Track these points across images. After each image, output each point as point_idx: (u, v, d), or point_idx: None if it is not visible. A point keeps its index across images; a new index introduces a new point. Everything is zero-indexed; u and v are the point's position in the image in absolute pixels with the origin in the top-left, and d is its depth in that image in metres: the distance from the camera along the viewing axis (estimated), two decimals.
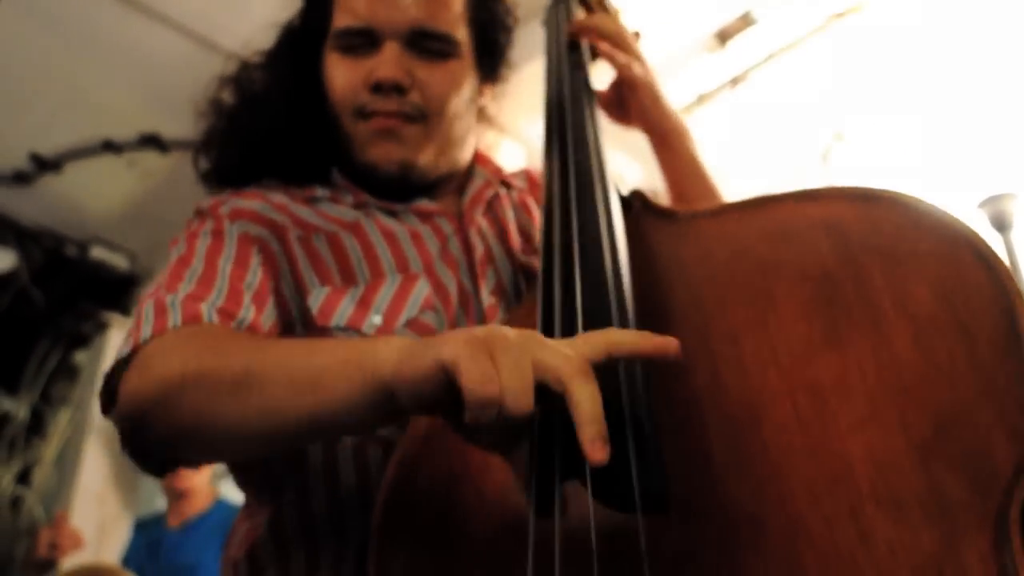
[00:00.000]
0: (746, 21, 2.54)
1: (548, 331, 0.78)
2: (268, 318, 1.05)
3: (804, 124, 2.61)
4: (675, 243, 0.95)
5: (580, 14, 1.48)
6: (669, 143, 1.33)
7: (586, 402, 0.63)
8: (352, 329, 1.08)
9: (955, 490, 0.61)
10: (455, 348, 0.65)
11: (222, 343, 0.90)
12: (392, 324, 1.09)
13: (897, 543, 0.61)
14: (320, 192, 1.22)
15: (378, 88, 1.17)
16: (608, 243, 0.89)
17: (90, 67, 2.85)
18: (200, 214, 1.16)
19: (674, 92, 2.68)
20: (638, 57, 1.37)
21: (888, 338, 0.68)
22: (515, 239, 1.25)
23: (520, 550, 0.66)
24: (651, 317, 0.84)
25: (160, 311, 0.95)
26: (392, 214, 1.22)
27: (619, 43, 1.38)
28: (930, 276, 0.71)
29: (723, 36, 2.59)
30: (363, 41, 1.20)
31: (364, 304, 1.11)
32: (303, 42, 1.29)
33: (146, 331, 0.93)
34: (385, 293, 1.12)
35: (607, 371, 0.68)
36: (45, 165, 3.09)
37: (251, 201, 1.16)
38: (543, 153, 1.16)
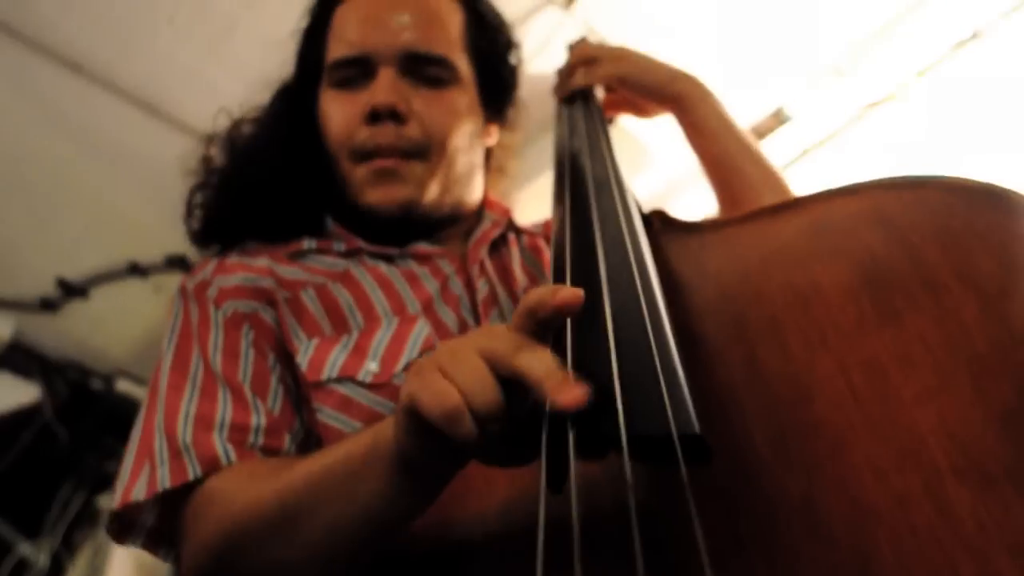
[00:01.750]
0: (778, 118, 2.50)
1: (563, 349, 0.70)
2: (275, 401, 1.02)
3: None
4: (702, 252, 0.93)
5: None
6: (685, 107, 1.29)
7: (532, 364, 0.59)
8: (347, 379, 1.02)
9: None
10: (408, 386, 0.65)
11: (250, 490, 0.87)
12: (391, 369, 1.03)
13: (987, 518, 0.54)
14: (307, 244, 1.19)
15: (375, 116, 1.15)
16: (635, 258, 0.82)
17: (117, 183, 2.88)
18: (186, 298, 1.12)
19: (708, 196, 2.65)
20: (605, 58, 1.35)
21: (953, 310, 0.65)
22: (519, 280, 1.18)
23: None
24: (678, 320, 0.78)
25: (175, 454, 0.93)
26: (387, 259, 1.17)
27: (588, 60, 1.37)
28: (992, 247, 0.69)
29: (756, 135, 2.56)
30: (358, 72, 1.19)
31: (359, 351, 1.05)
32: (297, 90, 1.28)
33: (164, 478, 0.92)
34: (381, 338, 1.06)
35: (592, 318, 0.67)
36: (72, 291, 3.08)
37: (234, 275, 1.12)
38: (554, 193, 1.09)
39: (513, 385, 0.61)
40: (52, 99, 2.72)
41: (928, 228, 0.72)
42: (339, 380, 1.02)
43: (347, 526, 0.75)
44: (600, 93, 1.37)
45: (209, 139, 1.30)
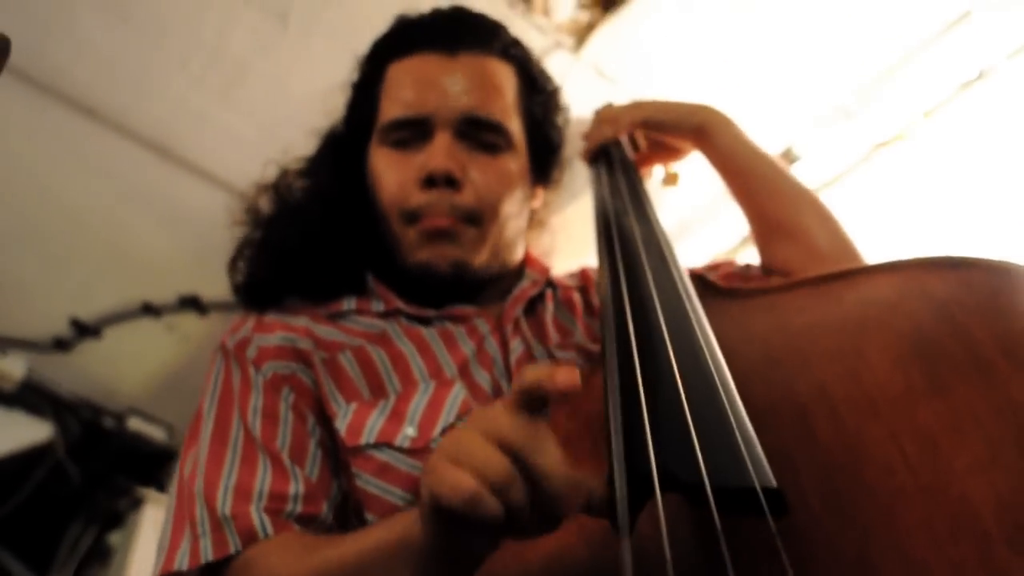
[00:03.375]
0: (788, 159, 2.53)
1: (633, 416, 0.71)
2: (313, 467, 1.04)
3: None
4: (745, 317, 0.95)
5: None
6: (707, 137, 1.30)
7: (551, 473, 0.62)
8: (385, 444, 1.03)
9: None
10: (425, 483, 0.65)
11: (284, 565, 0.89)
12: (428, 434, 1.04)
13: None
14: (346, 305, 1.19)
15: (431, 181, 1.15)
16: (697, 325, 0.84)
17: (131, 225, 2.89)
18: (227, 356, 1.14)
19: (718, 237, 2.67)
20: (622, 109, 1.37)
21: (1001, 386, 0.68)
22: (552, 337, 1.19)
23: None
24: None
25: (216, 525, 0.96)
26: (424, 321, 1.17)
27: (602, 121, 1.39)
28: None
29: None
30: (413, 134, 1.19)
31: (396, 416, 1.06)
32: (347, 144, 1.28)
33: (207, 549, 0.94)
34: (418, 402, 1.07)
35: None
36: (85, 331, 3.08)
37: (274, 335, 1.14)
38: (600, 256, 1.10)
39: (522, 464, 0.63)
40: (66, 142, 2.74)
41: (972, 306, 0.74)
42: (377, 446, 1.04)
43: None
44: (630, 154, 1.38)
45: (258, 189, 1.30)
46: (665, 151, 1.40)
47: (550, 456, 0.62)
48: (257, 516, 0.96)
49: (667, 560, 0.55)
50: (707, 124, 1.32)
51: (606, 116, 1.42)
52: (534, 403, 0.65)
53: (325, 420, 1.08)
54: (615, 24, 2.36)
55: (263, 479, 1.00)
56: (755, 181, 1.28)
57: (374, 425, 1.05)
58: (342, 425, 1.05)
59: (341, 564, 0.81)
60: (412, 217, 1.17)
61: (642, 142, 1.40)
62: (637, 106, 1.39)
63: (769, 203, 1.27)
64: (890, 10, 2.24)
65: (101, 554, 4.11)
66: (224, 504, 0.97)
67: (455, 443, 0.65)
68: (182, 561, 0.95)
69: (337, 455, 1.06)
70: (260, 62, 2.55)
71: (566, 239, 1.58)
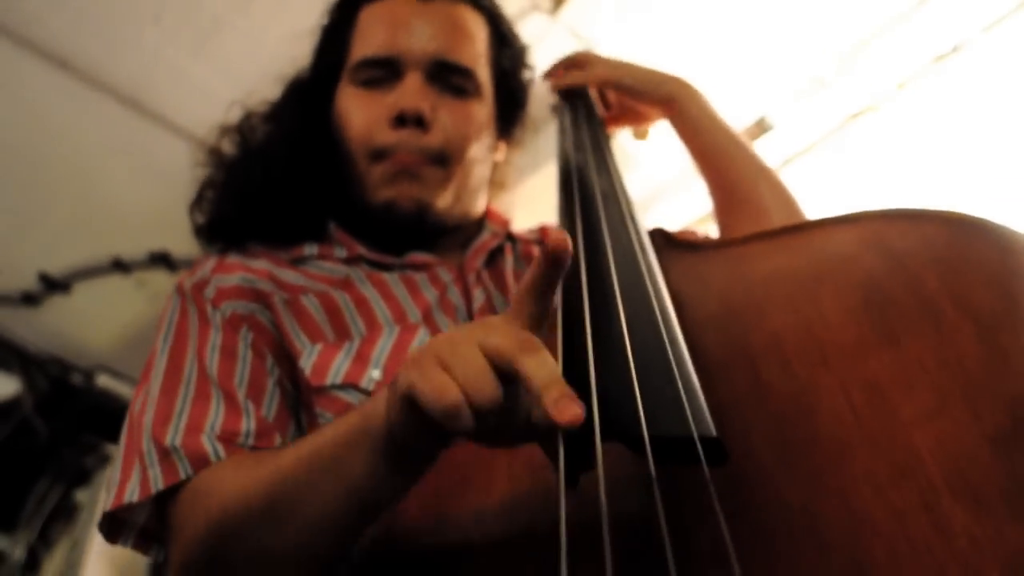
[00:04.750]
0: (761, 127, 2.54)
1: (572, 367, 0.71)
2: (270, 407, 1.02)
3: None
4: (704, 269, 0.95)
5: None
6: (677, 108, 1.32)
7: (535, 373, 0.60)
8: (350, 385, 1.03)
9: None
10: (407, 374, 0.65)
11: (239, 480, 0.87)
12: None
13: (981, 537, 0.57)
14: (308, 250, 1.19)
15: (401, 120, 1.16)
16: (648, 277, 0.84)
17: (102, 180, 2.87)
18: (183, 297, 1.12)
19: (689, 205, 2.68)
20: (596, 62, 1.38)
21: (950, 336, 0.68)
22: (512, 288, 1.20)
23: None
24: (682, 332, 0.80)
25: (164, 455, 0.93)
26: (386, 267, 1.18)
27: (581, 62, 1.40)
28: (988, 278, 0.72)
29: None
30: (384, 73, 1.20)
31: (361, 359, 1.06)
32: (313, 88, 1.28)
33: (157, 479, 0.92)
34: (383, 345, 1.07)
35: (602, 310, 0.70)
36: (54, 285, 3.07)
37: (234, 275, 1.13)
38: (560, 207, 1.10)
39: (511, 377, 0.62)
40: (37, 94, 2.72)
41: (927, 257, 0.75)
42: (343, 387, 1.03)
43: (335, 507, 0.76)
44: (600, 110, 1.39)
45: (221, 131, 1.30)
46: (633, 115, 1.41)
47: (541, 370, 0.61)
48: (209, 443, 0.94)
49: (603, 506, 0.55)
50: (676, 95, 1.33)
51: (579, 59, 1.42)
52: (540, 294, 0.67)
53: (286, 360, 1.08)
54: None
55: (215, 416, 0.98)
56: (718, 155, 1.30)
57: (340, 366, 1.05)
58: (307, 364, 1.05)
59: (296, 464, 0.80)
60: (379, 155, 1.17)
61: (612, 100, 1.41)
62: (610, 64, 1.40)
63: (729, 177, 1.29)
64: None
65: (67, 511, 4.10)
66: (174, 437, 0.95)
67: (450, 346, 0.65)
68: (132, 494, 0.93)
69: (298, 395, 1.06)
70: (235, 17, 2.53)
71: (528, 212, 1.58)
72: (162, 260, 3.01)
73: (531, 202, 1.77)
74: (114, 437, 3.39)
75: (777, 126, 2.53)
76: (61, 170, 2.87)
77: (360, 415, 0.76)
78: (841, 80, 2.42)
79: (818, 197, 2.45)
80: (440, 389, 0.61)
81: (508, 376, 0.62)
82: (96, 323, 3.37)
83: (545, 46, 2.50)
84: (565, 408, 0.57)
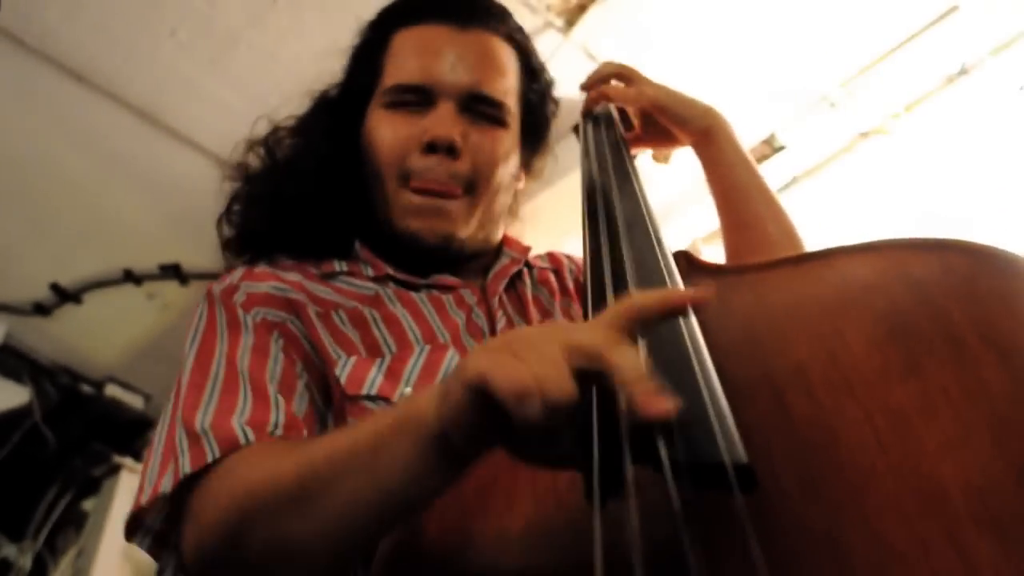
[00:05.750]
0: (771, 146, 2.55)
1: None
2: (300, 404, 1.02)
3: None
4: (726, 294, 0.95)
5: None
6: (711, 141, 1.31)
7: (626, 364, 0.60)
8: (383, 399, 1.03)
9: None
10: (477, 363, 0.64)
11: (268, 464, 0.86)
12: None
13: (1006, 568, 0.57)
14: (337, 267, 1.20)
15: (432, 148, 1.16)
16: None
17: (115, 192, 2.89)
18: (212, 302, 1.12)
19: (698, 221, 2.69)
20: (643, 80, 1.36)
21: (974, 367, 0.69)
22: (533, 315, 1.21)
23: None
24: None
25: (194, 439, 0.93)
26: (413, 287, 1.19)
27: (625, 76, 1.38)
28: (1012, 310, 0.73)
29: None
30: (417, 99, 1.20)
31: (393, 375, 1.06)
32: (342, 105, 1.29)
33: (185, 464, 0.91)
34: (414, 364, 1.08)
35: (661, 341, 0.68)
36: (65, 296, 3.09)
37: (264, 283, 1.13)
38: (585, 230, 1.10)
39: (584, 385, 0.62)
40: (53, 107, 2.74)
41: (950, 288, 0.76)
42: (375, 399, 1.03)
43: (365, 499, 0.75)
44: (622, 130, 1.38)
45: (248, 145, 1.30)
46: (659, 138, 1.39)
47: (631, 363, 0.60)
48: (239, 427, 0.93)
49: (635, 531, 0.56)
50: (713, 128, 1.32)
51: (627, 74, 1.39)
52: (637, 324, 0.67)
53: (316, 371, 1.07)
54: (605, 7, 2.38)
55: (243, 404, 0.97)
56: (739, 193, 1.30)
57: (375, 379, 1.05)
58: (343, 373, 1.05)
59: (331, 453, 0.79)
60: (408, 176, 1.18)
61: (635, 122, 1.40)
62: (655, 85, 1.38)
63: (745, 217, 1.28)
64: (878, 2, 2.26)
65: (75, 520, 4.10)
66: (204, 419, 0.94)
67: (526, 339, 0.65)
68: (166, 485, 0.92)
69: (330, 401, 1.06)
70: (251, 32, 2.55)
71: (539, 226, 1.60)
72: (173, 272, 3.03)
73: (542, 217, 1.78)
74: (123, 447, 3.41)
75: (787, 145, 2.54)
76: (74, 182, 2.89)
77: (402, 410, 0.75)
78: (851, 101, 2.44)
79: (827, 216, 2.47)
80: (516, 374, 0.61)
81: (588, 375, 0.62)
82: (106, 334, 3.38)
83: (557, 64, 2.52)
84: (655, 401, 0.57)
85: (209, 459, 0.91)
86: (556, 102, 1.39)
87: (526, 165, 1.35)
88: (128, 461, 3.98)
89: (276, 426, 0.96)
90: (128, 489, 3.38)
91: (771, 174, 2.69)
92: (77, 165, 2.84)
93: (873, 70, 2.39)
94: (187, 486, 0.91)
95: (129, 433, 3.90)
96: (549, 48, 2.49)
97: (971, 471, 0.62)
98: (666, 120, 1.34)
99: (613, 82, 1.41)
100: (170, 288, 3.10)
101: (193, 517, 0.89)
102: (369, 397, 1.04)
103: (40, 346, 3.38)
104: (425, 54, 1.22)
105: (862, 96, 2.43)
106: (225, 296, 1.11)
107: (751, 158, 1.33)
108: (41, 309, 3.15)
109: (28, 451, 3.55)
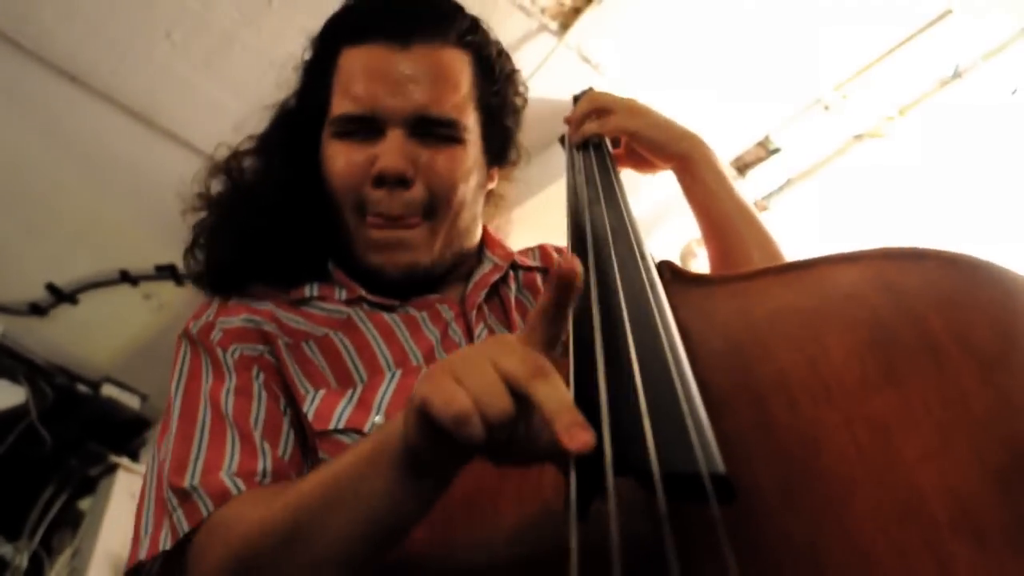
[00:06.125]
0: (765, 148, 2.55)
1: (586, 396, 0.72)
2: (286, 447, 1.04)
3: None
4: (709, 304, 0.95)
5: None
6: (688, 167, 1.30)
7: (548, 399, 0.61)
8: (353, 431, 1.03)
9: None
10: (419, 388, 0.66)
11: (259, 510, 0.87)
12: None
13: (984, 574, 0.58)
14: (308, 291, 1.18)
15: (381, 181, 1.14)
16: (657, 312, 0.85)
17: (111, 193, 2.89)
18: (192, 342, 1.13)
19: (692, 223, 2.69)
20: (621, 110, 1.35)
21: (953, 375, 0.69)
22: (516, 321, 1.20)
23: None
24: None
25: (184, 496, 0.96)
26: (388, 308, 1.17)
27: (601, 110, 1.36)
28: (991, 319, 0.73)
29: (741, 166, 2.62)
30: (364, 127, 1.16)
31: (364, 405, 1.06)
32: (299, 124, 1.25)
33: (181, 521, 0.94)
34: (385, 391, 1.08)
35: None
36: (61, 296, 3.09)
37: (237, 317, 1.13)
38: (570, 241, 1.09)
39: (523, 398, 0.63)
40: (49, 108, 2.74)
41: (930, 297, 0.76)
42: (345, 431, 1.04)
43: (353, 530, 0.77)
44: (609, 145, 1.37)
45: (209, 171, 1.27)
46: (641, 162, 1.38)
47: (554, 396, 0.62)
48: (228, 479, 0.96)
49: (614, 540, 0.56)
50: (689, 153, 1.30)
51: (594, 106, 1.38)
52: (553, 319, 0.68)
53: (292, 402, 1.08)
54: (600, 10, 2.38)
55: (231, 456, 0.99)
56: (720, 217, 1.28)
57: (342, 412, 1.05)
58: (310, 410, 1.05)
59: (313, 489, 0.81)
60: (363, 208, 1.15)
61: (623, 139, 1.40)
62: (629, 113, 1.35)
63: (728, 238, 1.27)
64: (872, 5, 2.26)
65: (72, 520, 4.11)
66: (192, 478, 0.96)
67: (463, 361, 0.66)
68: (165, 542, 0.94)
69: (305, 437, 1.06)
70: (245, 33, 2.55)
71: (527, 232, 1.58)
72: (169, 272, 3.03)
73: (530, 223, 1.77)
74: (119, 447, 3.41)
75: (782, 147, 2.54)
76: (70, 182, 2.89)
77: (374, 440, 0.77)
78: (845, 103, 2.44)
79: (821, 218, 2.48)
80: (450, 397, 0.63)
81: (520, 396, 0.63)
82: (102, 334, 3.38)
83: (552, 67, 2.52)
84: (576, 435, 0.58)
85: (204, 515, 0.93)
86: (523, 88, 1.35)
87: (498, 162, 1.31)
88: (124, 461, 3.98)
89: (264, 474, 0.98)
90: (124, 488, 3.38)
91: (765, 176, 2.71)
92: (73, 166, 2.84)
93: (867, 73, 2.39)
94: (181, 543, 0.94)
95: (125, 433, 3.91)
96: (543, 51, 2.49)
97: (949, 478, 0.63)
98: (643, 148, 1.33)
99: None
100: (166, 288, 3.11)
101: (194, 568, 0.92)
102: (339, 431, 1.04)
103: (36, 346, 3.38)
104: (369, 80, 1.16)
105: (856, 99, 2.43)
106: (202, 335, 1.12)
107: (731, 182, 1.31)
108: (37, 309, 3.16)
109: (24, 451, 3.55)
